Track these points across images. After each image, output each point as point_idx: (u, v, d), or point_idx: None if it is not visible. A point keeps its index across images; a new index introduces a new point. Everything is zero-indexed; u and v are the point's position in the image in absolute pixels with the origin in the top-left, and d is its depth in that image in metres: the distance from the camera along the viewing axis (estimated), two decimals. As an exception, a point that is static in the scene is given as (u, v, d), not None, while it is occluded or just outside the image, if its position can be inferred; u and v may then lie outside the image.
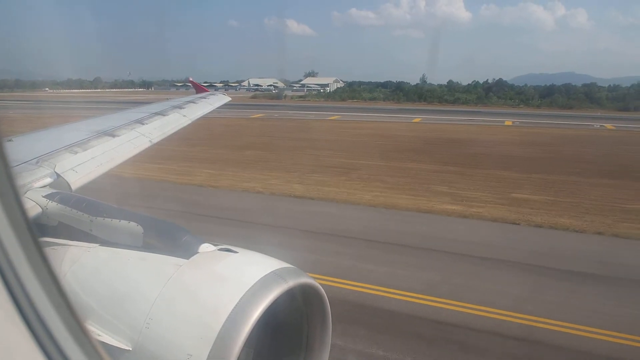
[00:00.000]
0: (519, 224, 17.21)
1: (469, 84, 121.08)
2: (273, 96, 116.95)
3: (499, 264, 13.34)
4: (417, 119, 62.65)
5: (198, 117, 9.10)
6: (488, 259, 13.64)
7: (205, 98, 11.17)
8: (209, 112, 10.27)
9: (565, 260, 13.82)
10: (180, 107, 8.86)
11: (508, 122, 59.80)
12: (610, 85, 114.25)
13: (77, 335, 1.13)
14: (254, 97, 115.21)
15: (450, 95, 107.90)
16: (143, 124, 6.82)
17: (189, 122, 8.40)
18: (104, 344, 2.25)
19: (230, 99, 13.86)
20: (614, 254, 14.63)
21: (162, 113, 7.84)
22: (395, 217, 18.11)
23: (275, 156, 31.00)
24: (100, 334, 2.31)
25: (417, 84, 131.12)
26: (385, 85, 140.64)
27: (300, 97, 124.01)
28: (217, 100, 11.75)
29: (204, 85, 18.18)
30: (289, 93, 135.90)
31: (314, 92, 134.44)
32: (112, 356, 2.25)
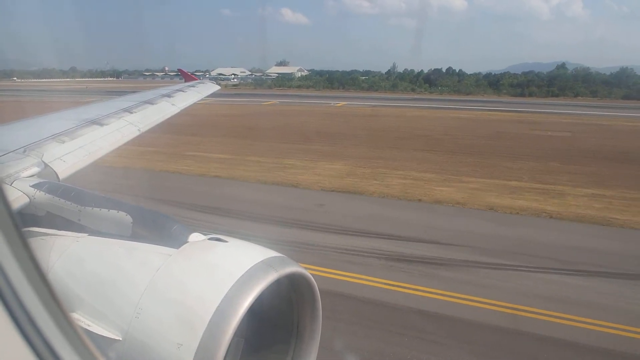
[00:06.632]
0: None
1: (417, 73, 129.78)
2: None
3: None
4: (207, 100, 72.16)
5: (187, 105, 9.03)
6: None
7: (194, 87, 11.07)
8: (199, 100, 10.19)
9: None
10: (169, 95, 8.78)
11: (268, 102, 69.89)
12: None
13: (63, 326, 1.12)
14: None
15: (367, 82, 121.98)
16: (131, 112, 6.76)
17: (178, 110, 8.34)
18: (93, 334, 2.24)
19: (219, 87, 13.74)
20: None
21: (150, 102, 7.77)
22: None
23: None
24: (90, 324, 2.29)
25: (386, 72, 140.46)
26: (350, 74, 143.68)
27: (234, 85, 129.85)
28: (206, 89, 11.66)
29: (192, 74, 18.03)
30: (238, 82, 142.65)
31: (249, 81, 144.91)
32: (103, 347, 2.24)
